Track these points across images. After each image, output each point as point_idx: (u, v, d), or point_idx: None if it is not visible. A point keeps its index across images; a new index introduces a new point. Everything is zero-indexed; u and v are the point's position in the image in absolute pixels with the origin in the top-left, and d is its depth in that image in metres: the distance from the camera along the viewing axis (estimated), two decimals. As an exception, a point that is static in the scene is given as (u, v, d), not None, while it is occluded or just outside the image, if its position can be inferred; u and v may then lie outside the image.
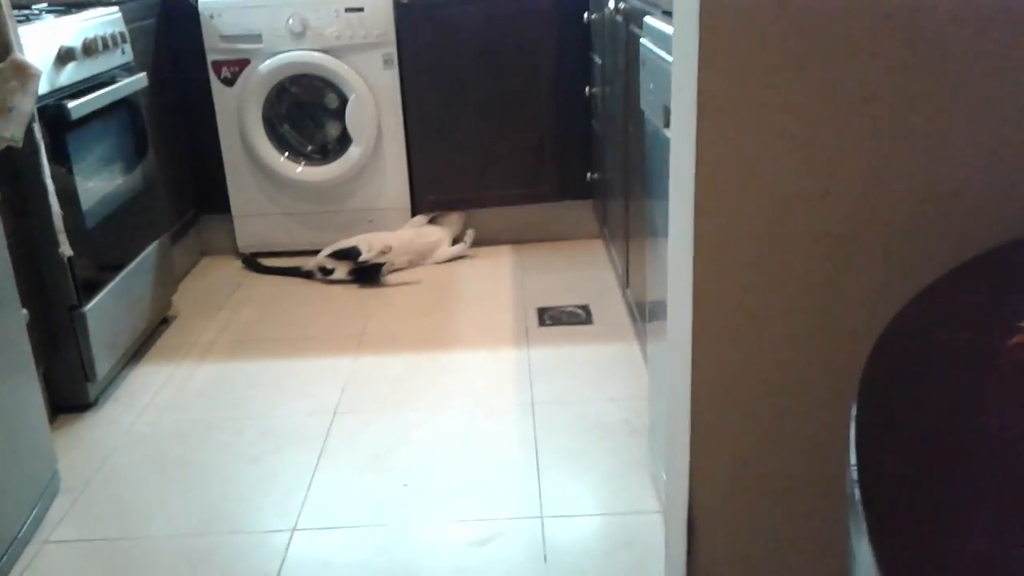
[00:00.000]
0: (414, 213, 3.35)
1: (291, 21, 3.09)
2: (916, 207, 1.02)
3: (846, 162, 1.00)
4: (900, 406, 0.58)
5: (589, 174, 3.28)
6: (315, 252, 3.25)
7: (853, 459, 0.53)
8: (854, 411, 0.57)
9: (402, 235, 3.20)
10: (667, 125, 1.47)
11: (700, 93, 0.99)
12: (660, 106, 1.50)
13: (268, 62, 3.13)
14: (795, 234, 1.03)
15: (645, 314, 2.20)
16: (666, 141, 1.50)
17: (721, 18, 0.96)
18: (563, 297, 2.93)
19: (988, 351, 0.62)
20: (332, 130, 3.31)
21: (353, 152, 3.23)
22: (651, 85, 1.59)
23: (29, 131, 1.97)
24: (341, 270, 3.08)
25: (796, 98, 0.99)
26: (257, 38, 3.11)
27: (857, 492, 0.51)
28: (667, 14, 1.66)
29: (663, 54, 1.48)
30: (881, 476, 0.51)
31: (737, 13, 0.96)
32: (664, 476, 1.73)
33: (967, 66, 0.99)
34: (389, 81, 3.19)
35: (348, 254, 3.06)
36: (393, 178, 3.31)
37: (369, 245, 3.09)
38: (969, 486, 0.51)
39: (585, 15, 3.09)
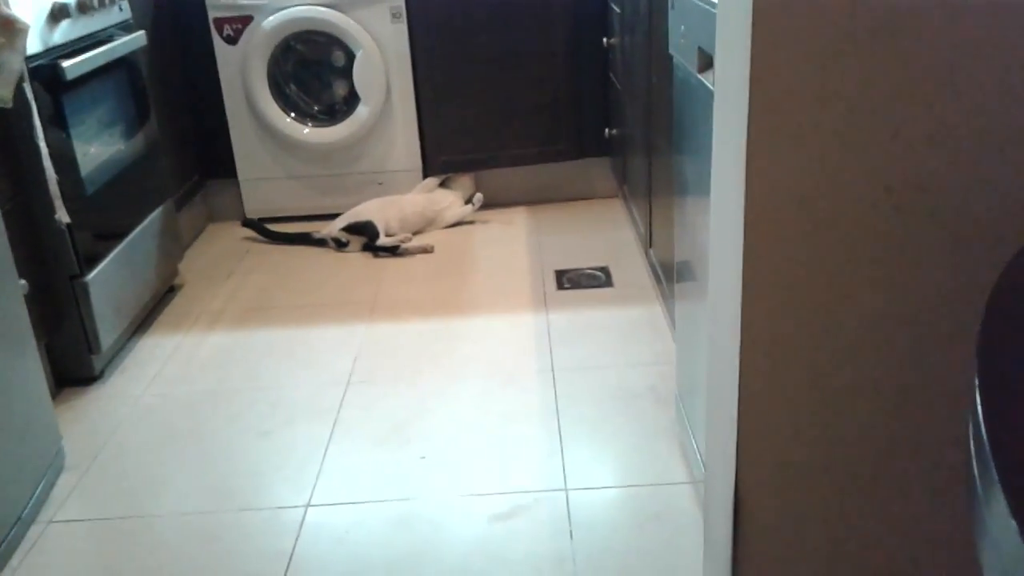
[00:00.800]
0: (425, 175, 3.24)
1: (294, -25, 2.96)
2: (997, 163, 0.90)
3: (918, 105, 0.89)
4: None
5: (607, 130, 3.16)
6: (324, 217, 3.14)
7: (979, 410, 0.44)
8: (976, 366, 0.48)
9: (415, 201, 3.10)
10: (702, 70, 1.36)
11: (755, 33, 0.87)
12: (694, 50, 1.39)
13: (272, 18, 3.00)
14: (859, 183, 0.92)
15: (672, 274, 2.09)
16: (700, 87, 1.39)
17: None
18: (581, 259, 2.82)
19: None
20: (339, 89, 3.19)
21: (361, 112, 3.12)
22: (682, 27, 1.47)
23: (20, 91, 1.87)
24: (355, 244, 2.98)
25: (861, 38, 0.88)
26: (259, -7, 2.99)
27: (986, 441, 0.43)
28: (698, -50, 1.54)
29: (697, -8, 1.35)
30: (1009, 427, 0.43)
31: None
32: (696, 445, 1.64)
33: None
34: (397, 36, 3.06)
35: (363, 230, 2.95)
36: (403, 138, 3.19)
37: (385, 222, 2.97)
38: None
39: (602, -38, 2.95)
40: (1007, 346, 0.52)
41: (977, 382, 0.48)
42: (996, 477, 0.42)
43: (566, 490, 1.75)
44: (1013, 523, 0.40)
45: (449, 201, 3.14)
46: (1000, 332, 0.53)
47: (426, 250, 2.93)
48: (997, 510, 0.42)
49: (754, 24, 0.87)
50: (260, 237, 3.12)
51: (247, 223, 3.15)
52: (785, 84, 0.89)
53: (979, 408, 0.46)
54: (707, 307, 1.10)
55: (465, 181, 3.24)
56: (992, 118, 0.91)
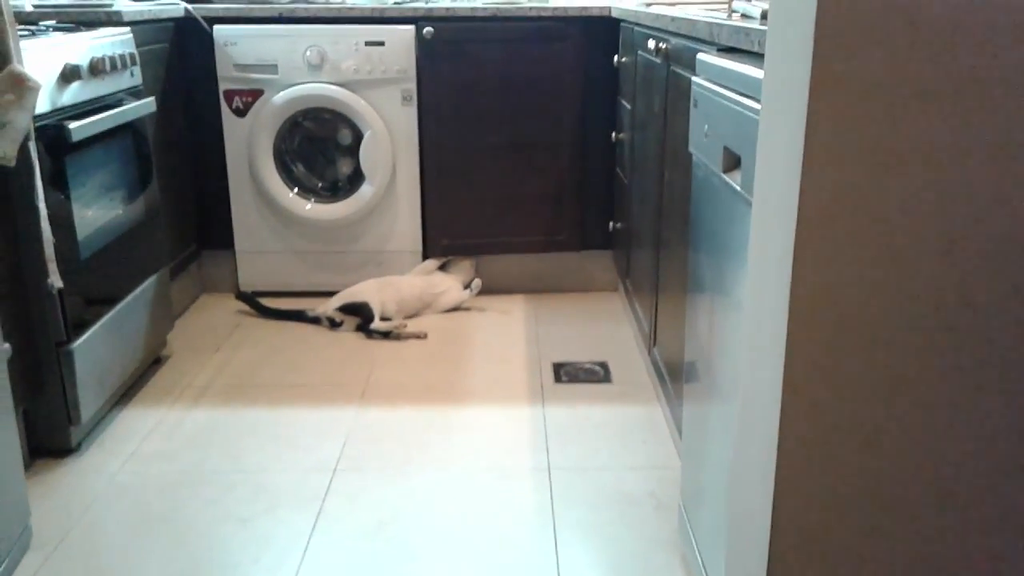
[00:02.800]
0: (425, 257, 3.20)
1: (309, 53, 2.97)
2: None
3: (974, 215, 0.85)
4: None
5: (611, 224, 3.14)
6: (320, 294, 3.09)
7: None
8: None
9: (413, 284, 3.05)
10: (728, 169, 1.33)
11: (808, 140, 0.83)
12: (718, 149, 1.36)
13: (283, 94, 3.00)
14: (909, 300, 0.87)
15: (678, 374, 2.03)
16: (724, 187, 1.36)
17: (837, 51, 0.81)
18: (580, 352, 2.76)
19: None
20: (344, 167, 3.18)
21: (365, 191, 3.09)
22: (706, 127, 1.44)
23: (24, 150, 1.83)
24: (349, 323, 2.92)
25: (918, 137, 0.84)
26: (273, 68, 2.99)
27: None
28: (726, 50, 1.53)
29: (725, 92, 1.33)
30: None
31: (856, 43, 0.81)
32: (701, 559, 1.56)
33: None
34: (407, 118, 3.06)
35: (358, 311, 2.90)
36: (405, 220, 3.16)
37: (381, 304, 2.92)
38: None
39: (615, 58, 2.98)
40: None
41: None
42: None
43: (561, 599, 1.65)
44: None
45: (447, 285, 3.10)
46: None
47: (419, 336, 2.86)
48: None
49: (807, 136, 0.83)
50: (253, 311, 3.06)
51: (240, 296, 3.09)
52: (834, 197, 0.85)
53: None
54: (736, 415, 1.04)
55: (465, 265, 3.20)
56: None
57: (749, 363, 0.99)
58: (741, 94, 1.27)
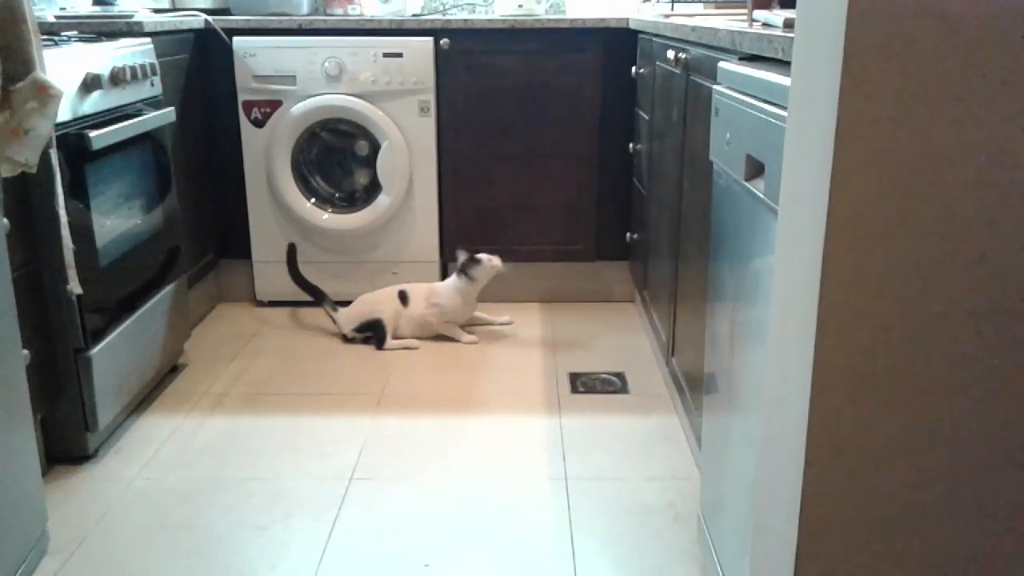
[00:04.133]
0: (442, 267, 3.19)
1: (327, 64, 2.98)
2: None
3: (1009, 221, 0.84)
4: None
5: (629, 234, 3.13)
6: (337, 304, 3.09)
7: None
8: None
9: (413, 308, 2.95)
10: (750, 178, 1.32)
11: (837, 148, 0.82)
12: (740, 156, 1.35)
13: (301, 105, 3.02)
14: (941, 308, 0.86)
15: (697, 385, 2.02)
16: (746, 195, 1.35)
17: (868, 57, 0.80)
18: (596, 363, 2.75)
19: None
20: (361, 178, 3.18)
21: (382, 201, 3.10)
22: (727, 134, 1.44)
23: (45, 157, 1.84)
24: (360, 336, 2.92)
25: (951, 144, 0.83)
26: (291, 79, 3.01)
27: None
28: (747, 59, 1.53)
29: (748, 99, 1.33)
30: None
31: (888, 48, 0.80)
32: (720, 571, 1.54)
33: None
34: (424, 129, 3.07)
35: (372, 328, 2.88)
36: (422, 230, 3.16)
37: (395, 322, 2.89)
38: None
39: (633, 70, 2.98)
40: None
41: None
42: None
43: (579, 611, 1.64)
44: None
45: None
46: None
47: (409, 347, 2.86)
48: None
49: (836, 142, 0.82)
50: (287, 267, 3.02)
51: (290, 251, 3.03)
52: (864, 204, 0.84)
53: None
54: (762, 429, 1.03)
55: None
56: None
57: (775, 375, 0.98)
58: (765, 101, 1.27)
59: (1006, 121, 0.84)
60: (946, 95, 0.84)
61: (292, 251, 3.02)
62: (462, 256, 2.93)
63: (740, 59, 1.55)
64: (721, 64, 1.55)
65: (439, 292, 2.92)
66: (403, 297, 2.93)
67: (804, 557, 0.95)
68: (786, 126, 0.99)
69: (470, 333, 2.95)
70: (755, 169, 1.31)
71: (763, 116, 1.24)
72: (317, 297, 3.00)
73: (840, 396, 0.90)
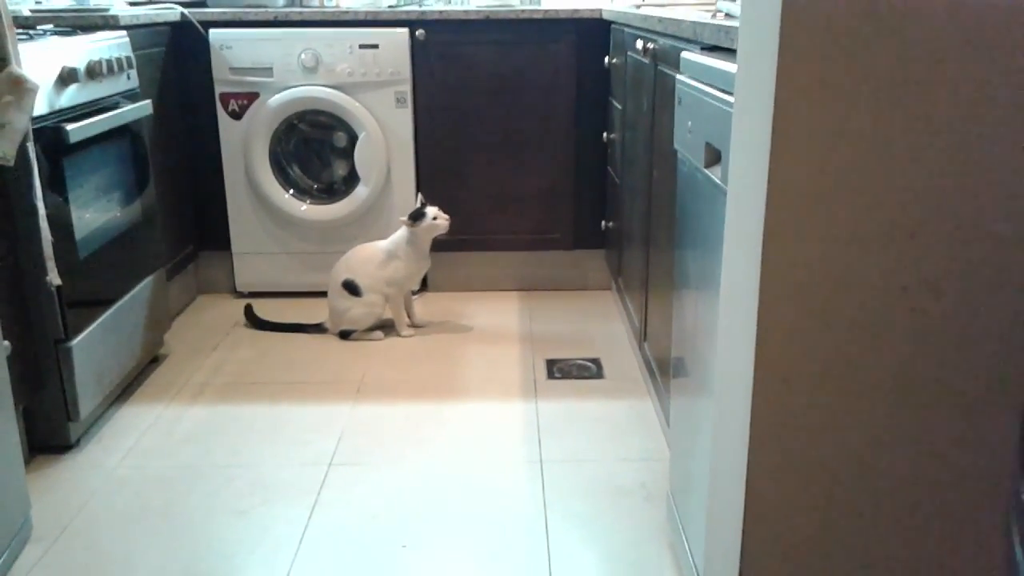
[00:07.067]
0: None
1: (303, 56, 3.01)
2: (1016, 252, 0.90)
3: (936, 201, 0.89)
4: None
5: (604, 223, 3.18)
6: (315, 294, 3.12)
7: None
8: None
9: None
10: (710, 165, 1.36)
11: (775, 130, 0.87)
12: (700, 145, 1.40)
13: (278, 96, 3.04)
14: (874, 283, 0.91)
15: (667, 369, 2.07)
16: (706, 182, 1.40)
17: (801, 46, 0.85)
18: (573, 349, 2.80)
19: None
20: (339, 169, 3.21)
21: (360, 192, 3.13)
22: (689, 123, 1.48)
23: (22, 150, 1.86)
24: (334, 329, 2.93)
25: (883, 128, 0.88)
26: (268, 72, 3.03)
27: None
28: (709, 49, 1.57)
29: (707, 89, 1.37)
30: None
31: (819, 38, 0.85)
32: (688, 547, 1.59)
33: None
34: (401, 120, 3.10)
35: (351, 287, 2.85)
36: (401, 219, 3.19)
37: (370, 281, 2.85)
38: None
39: (606, 60, 3.02)
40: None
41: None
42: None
43: (552, 587, 1.69)
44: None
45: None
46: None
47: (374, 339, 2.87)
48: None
49: (774, 127, 0.87)
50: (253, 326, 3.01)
51: (248, 315, 3.03)
52: (800, 182, 0.89)
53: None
54: (713, 402, 1.08)
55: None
56: (1011, 205, 0.90)
57: (723, 350, 1.02)
58: (721, 90, 1.31)
59: (934, 106, 0.88)
60: (879, 82, 0.88)
61: (248, 310, 3.00)
62: (419, 202, 2.88)
63: (703, 49, 1.59)
64: (683, 54, 1.60)
65: (391, 251, 2.88)
66: (352, 288, 2.85)
67: (750, 519, 1.00)
68: (733, 112, 1.04)
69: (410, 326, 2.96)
70: (714, 156, 1.35)
71: (720, 105, 1.29)
72: (301, 329, 2.96)
73: (780, 370, 0.95)
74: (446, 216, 2.87)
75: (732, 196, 1.03)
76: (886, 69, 0.86)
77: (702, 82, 1.44)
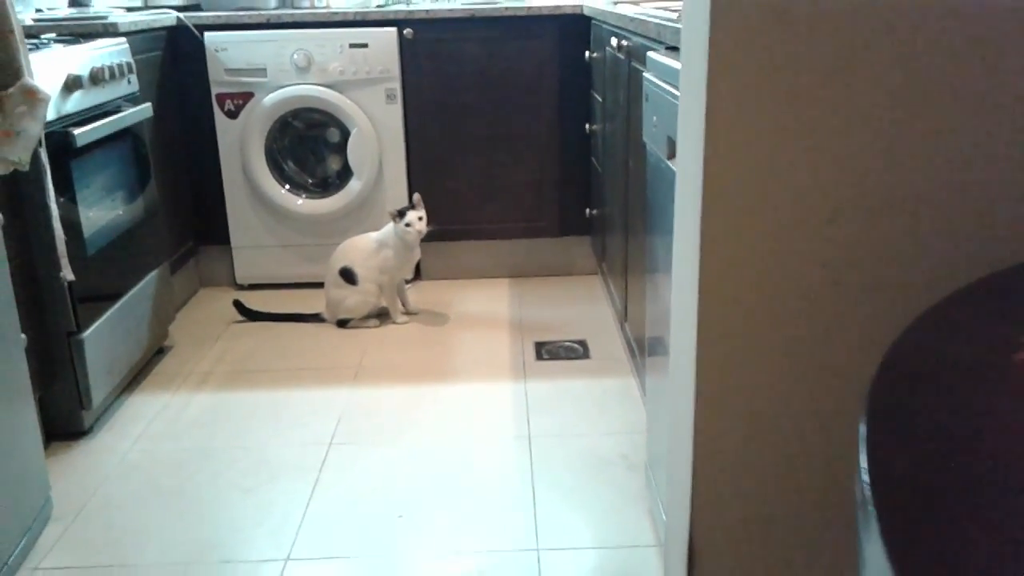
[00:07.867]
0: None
1: (296, 56, 3.12)
2: (925, 231, 1.02)
3: (854, 186, 1.01)
4: (909, 415, 0.58)
5: (588, 210, 3.30)
6: (313, 285, 3.24)
7: (864, 463, 0.53)
8: (863, 420, 0.57)
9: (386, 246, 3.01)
10: (671, 157, 1.49)
11: (708, 122, 1.00)
12: (664, 138, 1.52)
13: (272, 96, 3.16)
14: (801, 261, 1.04)
15: (644, 349, 2.20)
16: (669, 173, 1.52)
17: (728, 45, 0.98)
18: (561, 332, 2.93)
19: (993, 365, 0.63)
20: (333, 163, 3.34)
21: (354, 185, 3.25)
22: (654, 118, 1.60)
23: (35, 156, 1.99)
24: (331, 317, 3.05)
25: (803, 123, 1.01)
26: (262, 72, 3.15)
27: (868, 495, 0.51)
28: (671, 49, 1.69)
29: (667, 87, 1.50)
30: (891, 480, 0.52)
31: (744, 39, 0.98)
32: (662, 511, 1.72)
33: (982, 86, 1.00)
34: (391, 116, 3.22)
35: (347, 275, 2.97)
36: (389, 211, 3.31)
37: (365, 271, 2.97)
38: (975, 490, 0.51)
39: (586, 54, 3.13)
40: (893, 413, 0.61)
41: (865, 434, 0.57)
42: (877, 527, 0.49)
43: (538, 550, 1.82)
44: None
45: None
46: (890, 386, 0.63)
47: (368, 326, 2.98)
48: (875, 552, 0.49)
49: (707, 116, 0.99)
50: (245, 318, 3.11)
51: (237, 306, 3.13)
52: (734, 170, 1.02)
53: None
54: (668, 377, 1.20)
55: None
56: (923, 186, 1.03)
57: (674, 326, 1.15)
58: (678, 88, 1.43)
59: (849, 99, 1.01)
60: (798, 79, 1.01)
61: (238, 304, 3.08)
62: (413, 201, 2.97)
63: (667, 49, 1.71)
64: (649, 54, 1.72)
65: (382, 241, 2.98)
66: (348, 276, 2.97)
67: (699, 494, 1.13)
68: (679, 107, 1.17)
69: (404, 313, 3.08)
70: (674, 149, 1.48)
71: (676, 101, 1.41)
72: (298, 318, 3.07)
73: (719, 341, 1.08)
74: (422, 225, 2.92)
75: (679, 183, 1.16)
76: (802, 60, 0.99)
77: (664, 80, 1.56)
